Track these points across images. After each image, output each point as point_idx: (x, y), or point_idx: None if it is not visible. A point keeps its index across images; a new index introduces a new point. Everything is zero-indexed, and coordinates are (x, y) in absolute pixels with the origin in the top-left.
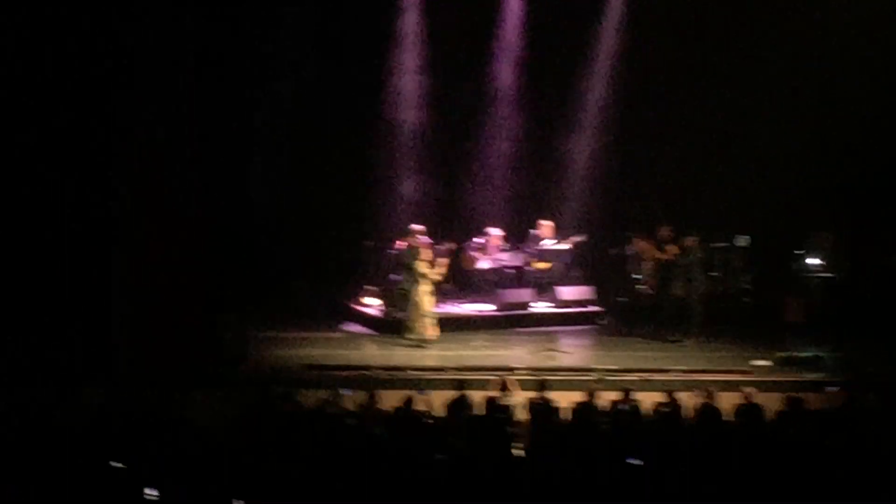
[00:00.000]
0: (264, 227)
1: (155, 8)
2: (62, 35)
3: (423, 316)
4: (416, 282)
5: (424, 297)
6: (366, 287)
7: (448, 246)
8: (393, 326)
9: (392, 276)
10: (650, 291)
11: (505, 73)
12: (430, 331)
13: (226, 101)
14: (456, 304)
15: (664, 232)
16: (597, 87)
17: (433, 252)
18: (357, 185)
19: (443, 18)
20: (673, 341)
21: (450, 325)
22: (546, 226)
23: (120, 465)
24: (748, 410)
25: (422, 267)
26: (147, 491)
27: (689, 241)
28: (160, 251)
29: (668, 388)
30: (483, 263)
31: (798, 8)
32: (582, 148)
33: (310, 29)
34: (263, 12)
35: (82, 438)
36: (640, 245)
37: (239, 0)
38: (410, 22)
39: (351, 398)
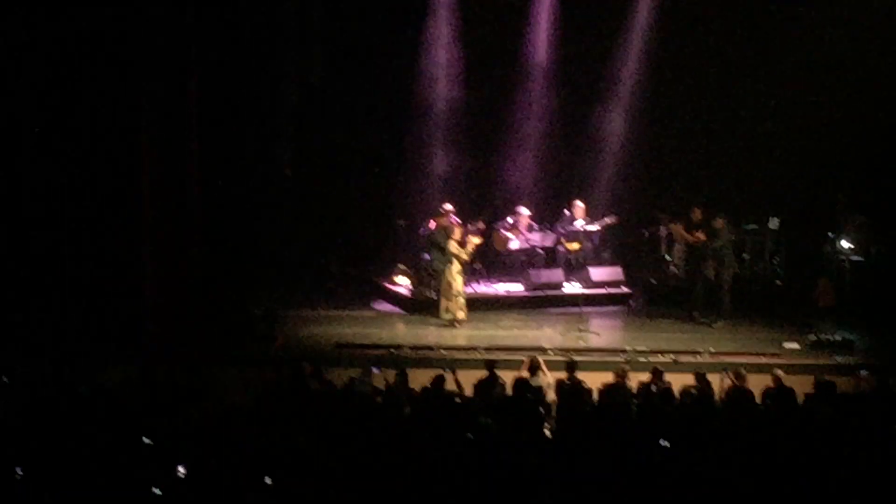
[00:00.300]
0: (297, 206)
1: None
2: (75, 33)
3: (456, 296)
4: (449, 262)
5: (457, 276)
6: (397, 266)
7: (478, 226)
8: (423, 306)
9: (424, 256)
10: (680, 273)
11: (539, 51)
12: (462, 311)
13: (256, 80)
14: (486, 283)
15: (696, 214)
16: (630, 68)
17: (464, 232)
18: (389, 163)
19: None
20: (703, 323)
21: (480, 304)
22: (579, 206)
23: (150, 441)
24: (778, 393)
25: (453, 247)
26: (179, 468)
27: (719, 222)
28: (191, 230)
29: (699, 370)
30: (514, 244)
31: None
32: (615, 129)
33: (340, 2)
34: None
35: (113, 414)
36: (671, 227)
37: None
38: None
39: (381, 377)
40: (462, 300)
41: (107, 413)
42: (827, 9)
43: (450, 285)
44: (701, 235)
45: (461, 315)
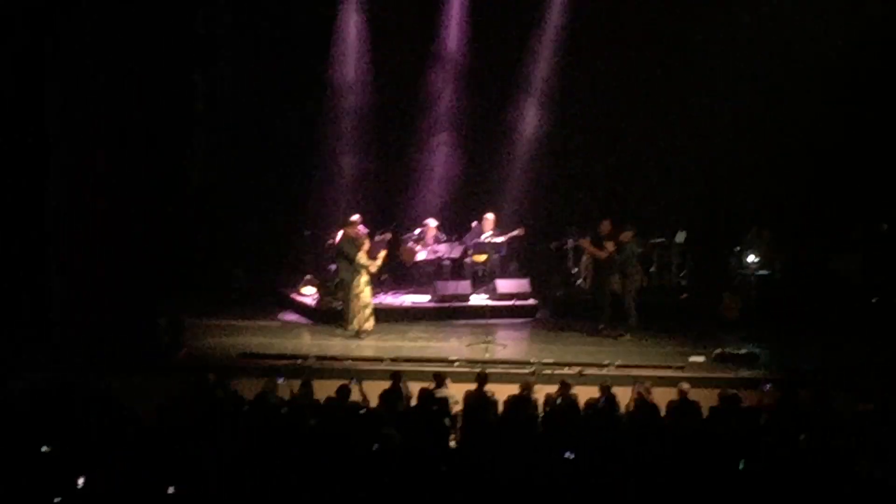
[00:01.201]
0: (202, 214)
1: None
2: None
3: (364, 307)
4: (357, 272)
5: (365, 287)
6: (303, 276)
7: (385, 236)
8: (329, 316)
9: (330, 266)
10: (587, 286)
11: (449, 59)
12: (369, 322)
13: (163, 85)
14: (393, 295)
15: (605, 226)
16: (538, 80)
17: (371, 242)
18: (296, 173)
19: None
20: (609, 336)
21: (387, 316)
22: (488, 219)
23: (49, 449)
24: (683, 406)
25: (362, 258)
26: (79, 479)
27: (625, 235)
28: (97, 237)
29: (604, 383)
30: (421, 255)
31: (739, 13)
32: (523, 141)
33: (250, 8)
34: None
35: (15, 423)
36: (580, 241)
37: None
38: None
39: (286, 387)
40: (368, 311)
41: (8, 421)
42: (732, 25)
43: (357, 297)
44: (610, 247)
45: (368, 326)
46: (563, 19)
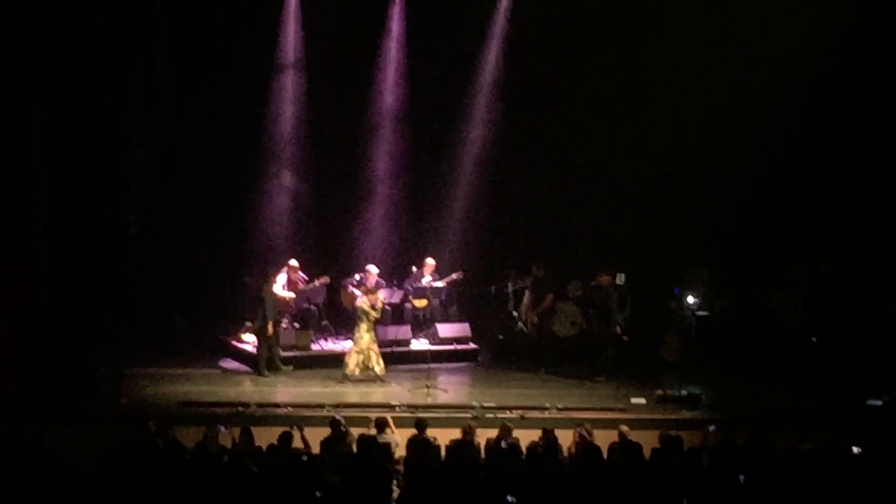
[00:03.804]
0: (141, 262)
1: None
2: None
3: (359, 352)
4: (360, 319)
5: (365, 334)
6: (243, 323)
7: (324, 280)
8: (270, 363)
9: (309, 307)
10: (528, 330)
11: (386, 108)
12: (359, 367)
13: (100, 133)
14: (334, 340)
15: (538, 270)
16: (476, 123)
17: (309, 287)
18: (234, 219)
19: (322, 49)
20: (549, 375)
21: (328, 361)
22: (429, 264)
23: None
24: (624, 448)
25: (364, 304)
26: None
27: (604, 279)
28: (33, 287)
29: (546, 426)
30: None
31: (671, 49)
32: (462, 186)
33: (188, 55)
34: (137, 42)
35: None
36: (528, 312)
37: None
38: (290, 48)
39: (227, 435)
40: (362, 357)
41: None
42: (667, 70)
43: (356, 342)
44: (548, 302)
45: (378, 370)
46: (498, 72)
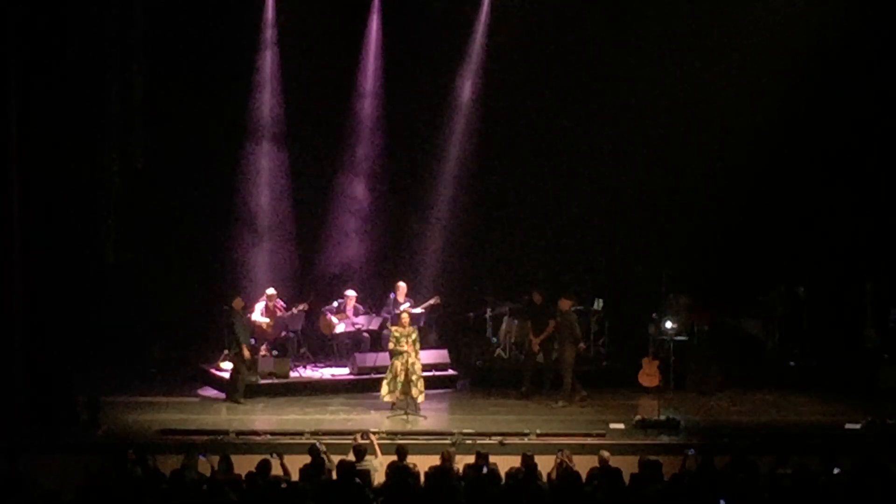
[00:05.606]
0: (119, 290)
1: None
2: None
3: (394, 378)
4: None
5: (395, 360)
6: (222, 351)
7: (303, 307)
8: (249, 391)
9: (251, 340)
10: (507, 355)
11: (364, 131)
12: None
13: (77, 161)
14: (312, 367)
15: (537, 297)
16: (452, 153)
17: (288, 314)
18: (213, 247)
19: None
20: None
21: (306, 389)
22: (401, 287)
23: None
24: (604, 473)
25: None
26: None
27: (565, 303)
28: (10, 316)
29: (525, 452)
30: (340, 327)
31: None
32: (438, 210)
33: (164, 82)
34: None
35: None
36: (532, 340)
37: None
38: (267, 72)
39: (206, 463)
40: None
41: None
42: (647, 91)
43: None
44: (551, 328)
45: (420, 398)
46: (475, 95)
